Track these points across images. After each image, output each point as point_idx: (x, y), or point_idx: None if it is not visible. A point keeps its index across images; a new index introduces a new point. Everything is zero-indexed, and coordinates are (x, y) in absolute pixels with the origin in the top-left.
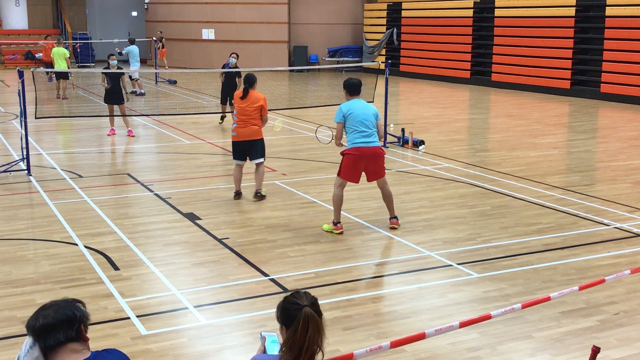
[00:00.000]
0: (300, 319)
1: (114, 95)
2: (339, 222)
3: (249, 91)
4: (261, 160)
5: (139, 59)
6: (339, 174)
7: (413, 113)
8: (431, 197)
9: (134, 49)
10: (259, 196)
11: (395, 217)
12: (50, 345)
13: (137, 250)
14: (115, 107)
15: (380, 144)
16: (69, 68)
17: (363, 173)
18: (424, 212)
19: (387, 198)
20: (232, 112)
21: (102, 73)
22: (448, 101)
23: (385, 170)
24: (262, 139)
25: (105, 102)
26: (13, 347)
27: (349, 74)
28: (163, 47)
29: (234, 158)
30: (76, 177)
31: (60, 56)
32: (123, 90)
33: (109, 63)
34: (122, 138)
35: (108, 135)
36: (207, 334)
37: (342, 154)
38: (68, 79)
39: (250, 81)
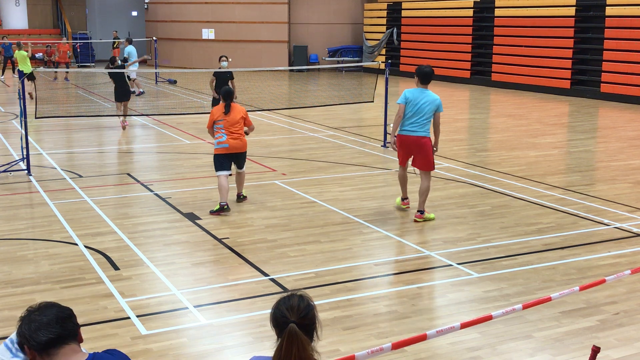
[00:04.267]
0: (284, 337)
1: (120, 93)
2: (406, 198)
3: (231, 106)
4: (244, 168)
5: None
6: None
7: None
8: (431, 197)
9: (132, 49)
10: (242, 198)
11: (421, 212)
12: (51, 341)
13: (137, 250)
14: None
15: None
16: (31, 68)
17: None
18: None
19: (420, 191)
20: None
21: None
22: (448, 101)
23: (434, 165)
24: (246, 151)
25: (120, 100)
26: None
27: (349, 74)
28: (117, 47)
29: (221, 169)
30: (76, 177)
31: (23, 59)
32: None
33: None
34: (122, 138)
35: (123, 128)
36: (207, 334)
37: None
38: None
39: (231, 96)
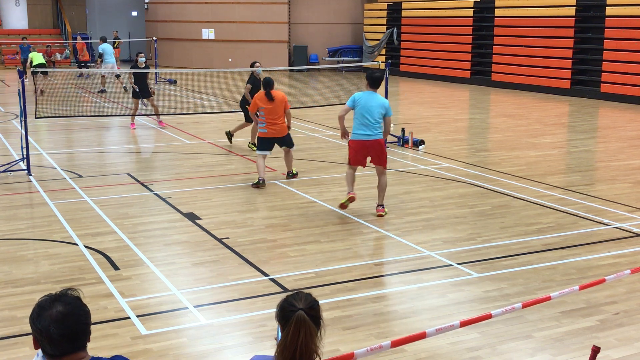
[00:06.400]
0: (292, 323)
1: (141, 90)
2: (351, 190)
3: (271, 93)
4: (292, 147)
5: (113, 56)
6: (349, 162)
7: (413, 113)
8: (431, 197)
9: (106, 47)
10: (291, 176)
11: (382, 205)
12: (55, 356)
13: (137, 250)
14: (143, 102)
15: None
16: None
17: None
18: (424, 212)
19: (381, 187)
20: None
21: (131, 70)
22: (448, 101)
23: (387, 164)
24: (289, 133)
25: (133, 97)
26: (13, 347)
27: (349, 74)
28: (117, 47)
29: (260, 149)
30: (76, 177)
31: (39, 58)
32: (148, 85)
33: (137, 61)
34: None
35: (132, 129)
36: (207, 333)
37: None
38: (47, 74)
39: (271, 84)
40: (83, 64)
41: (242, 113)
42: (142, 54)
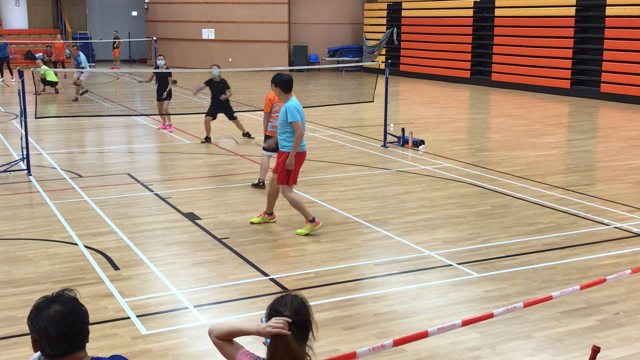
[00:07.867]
0: (273, 335)
1: (161, 93)
2: (314, 218)
3: None
4: None
5: (87, 64)
6: (289, 182)
7: (413, 113)
8: (431, 196)
9: (82, 55)
10: None
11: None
12: (55, 355)
13: (137, 250)
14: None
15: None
16: (56, 77)
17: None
18: (424, 212)
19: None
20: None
21: (153, 72)
22: (448, 101)
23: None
24: None
25: (157, 100)
26: (13, 347)
27: (349, 74)
28: (117, 47)
29: (268, 149)
30: (76, 177)
31: (49, 73)
32: (169, 88)
33: (157, 63)
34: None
35: (159, 129)
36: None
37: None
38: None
39: None
40: (60, 63)
41: (224, 114)
42: (162, 57)
